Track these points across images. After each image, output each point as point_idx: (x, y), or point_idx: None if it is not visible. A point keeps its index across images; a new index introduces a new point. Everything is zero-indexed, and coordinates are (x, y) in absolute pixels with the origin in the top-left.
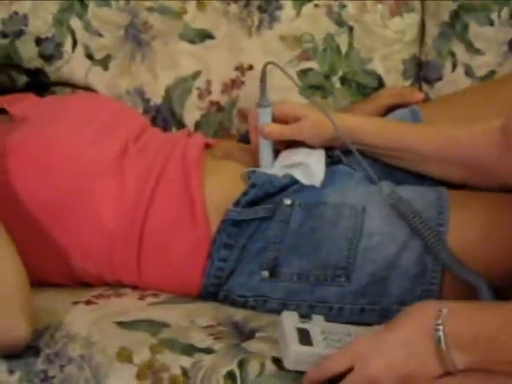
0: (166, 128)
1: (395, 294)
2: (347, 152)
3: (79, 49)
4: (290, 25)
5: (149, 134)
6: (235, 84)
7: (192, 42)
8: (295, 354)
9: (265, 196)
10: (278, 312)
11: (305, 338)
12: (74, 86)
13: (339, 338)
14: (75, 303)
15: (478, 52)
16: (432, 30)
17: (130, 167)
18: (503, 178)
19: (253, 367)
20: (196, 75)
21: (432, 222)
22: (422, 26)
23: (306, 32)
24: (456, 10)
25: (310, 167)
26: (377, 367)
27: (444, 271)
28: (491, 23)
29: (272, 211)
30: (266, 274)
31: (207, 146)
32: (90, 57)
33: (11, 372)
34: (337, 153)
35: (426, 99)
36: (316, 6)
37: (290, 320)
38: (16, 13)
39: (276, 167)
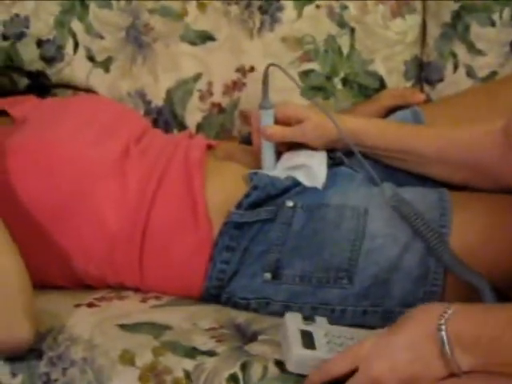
0: (167, 130)
1: (397, 295)
2: (349, 154)
3: (80, 51)
4: (291, 26)
5: (150, 135)
6: (236, 86)
7: (193, 43)
8: (298, 358)
9: (267, 198)
10: (281, 314)
11: (308, 340)
12: (75, 88)
13: (342, 342)
14: (77, 306)
15: (479, 53)
16: (433, 31)
17: (131, 169)
18: (505, 179)
19: (255, 370)
20: (197, 77)
21: (434, 223)
22: (424, 27)
23: (308, 33)
24: (457, 11)
25: (312, 169)
26: (380, 369)
27: (446, 273)
28: (493, 24)
29: (274, 213)
30: (268, 276)
31: (209, 147)
32: (91, 59)
33: (14, 375)
34: (338, 154)
35: (428, 100)
36: (317, 7)
37: (293, 322)
38: (17, 15)
39: (278, 169)
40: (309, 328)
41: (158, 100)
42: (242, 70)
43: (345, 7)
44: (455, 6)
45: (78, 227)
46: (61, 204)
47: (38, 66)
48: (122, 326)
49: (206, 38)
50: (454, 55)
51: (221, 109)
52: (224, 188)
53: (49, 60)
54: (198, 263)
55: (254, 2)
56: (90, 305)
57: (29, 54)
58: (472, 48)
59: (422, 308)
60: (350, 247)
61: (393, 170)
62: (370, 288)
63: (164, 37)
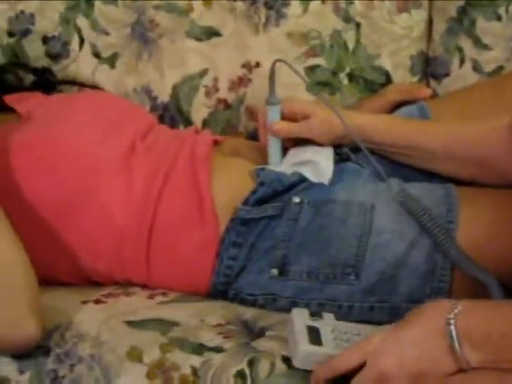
0: (173, 126)
1: (404, 291)
2: (355, 149)
3: (86, 47)
4: (296, 21)
5: (156, 131)
6: (242, 81)
7: (199, 39)
8: (304, 354)
9: (273, 194)
10: (288, 310)
11: (315, 336)
12: (80, 85)
13: (348, 338)
14: (84, 302)
15: (485, 47)
16: (439, 26)
17: (137, 165)
18: (511, 174)
19: (263, 366)
20: (203, 73)
21: (441, 219)
22: (430, 22)
23: (313, 29)
24: (463, 6)
25: (318, 165)
26: (388, 365)
27: (453, 269)
28: (499, 18)
29: (281, 209)
30: (275, 272)
31: (215, 142)
32: (96, 55)
33: (21, 372)
34: (345, 150)
35: (434, 95)
36: (323, 2)
37: (300, 318)
38: (22, 12)
39: (284, 165)
40: (315, 324)
41: (163, 96)
42: (247, 66)
43: (350, 2)
44: (461, 1)
45: (85, 224)
46: (66, 201)
47: (44, 62)
48: (130, 323)
49: (211, 33)
50: (460, 50)
51: (227, 105)
52: (230, 184)
53: (54, 56)
54: (204, 259)
55: None
56: (97, 301)
57: (34, 51)
58: (478, 42)
59: (430, 304)
60: (357, 243)
61: (399, 165)
62: (376, 284)
63: (170, 33)
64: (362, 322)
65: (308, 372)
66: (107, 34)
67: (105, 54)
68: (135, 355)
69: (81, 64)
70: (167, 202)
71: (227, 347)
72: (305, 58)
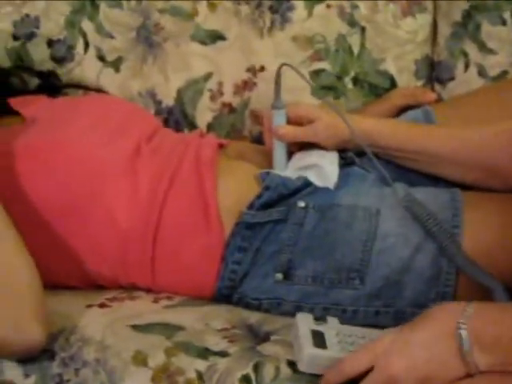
0: (177, 130)
1: (409, 296)
2: (360, 153)
3: (91, 51)
4: (301, 25)
5: (161, 134)
6: (247, 85)
7: (203, 43)
8: (309, 357)
9: (279, 198)
10: (293, 315)
11: (319, 340)
12: (85, 88)
13: (353, 341)
14: (89, 306)
15: (490, 52)
16: (444, 30)
17: (142, 168)
18: None
19: (268, 371)
20: (208, 77)
21: (447, 223)
22: (435, 26)
23: (318, 33)
24: (468, 10)
25: (323, 169)
26: (398, 368)
27: (458, 273)
28: (504, 23)
29: (286, 214)
30: (280, 276)
31: (220, 146)
32: (101, 59)
33: (27, 376)
34: (350, 154)
35: (439, 99)
36: (328, 6)
37: (304, 322)
38: (27, 15)
39: (290, 169)
40: (320, 328)
41: (168, 100)
42: (252, 70)
43: (355, 6)
44: (466, 5)
45: (89, 227)
46: (71, 204)
47: (49, 65)
48: (134, 327)
49: (216, 37)
50: (465, 54)
51: (231, 109)
52: (236, 188)
53: (59, 60)
54: (209, 264)
55: (265, 2)
56: (102, 305)
57: (39, 54)
58: (483, 47)
59: (439, 307)
60: (362, 248)
61: (404, 170)
62: (381, 288)
63: (174, 36)
64: (366, 326)
65: (313, 376)
66: (112, 37)
67: (109, 57)
68: (140, 359)
69: (85, 67)
70: (172, 204)
71: (232, 351)
72: (310, 62)
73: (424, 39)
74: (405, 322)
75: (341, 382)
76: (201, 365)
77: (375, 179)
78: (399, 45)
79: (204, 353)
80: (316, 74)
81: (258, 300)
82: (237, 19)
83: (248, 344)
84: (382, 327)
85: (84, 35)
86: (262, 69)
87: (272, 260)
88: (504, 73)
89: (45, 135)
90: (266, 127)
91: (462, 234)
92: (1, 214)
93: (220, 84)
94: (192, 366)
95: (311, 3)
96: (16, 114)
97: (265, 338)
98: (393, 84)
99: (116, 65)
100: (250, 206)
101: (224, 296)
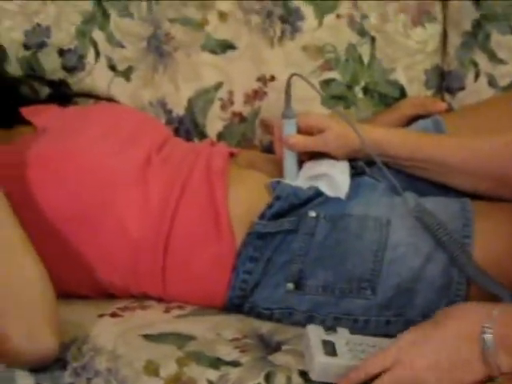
0: (188, 139)
1: (420, 305)
2: (370, 163)
3: (102, 60)
4: (312, 35)
5: (172, 143)
6: (257, 95)
7: (214, 52)
8: (320, 365)
9: (290, 208)
10: (304, 324)
11: (330, 349)
12: (96, 98)
13: (363, 349)
14: (101, 316)
15: (500, 61)
16: (454, 40)
17: (153, 177)
18: None
19: (279, 380)
20: (218, 86)
21: (457, 233)
22: (444, 36)
23: (328, 42)
24: (478, 20)
25: (334, 179)
26: (419, 367)
27: (469, 283)
28: None
29: (297, 224)
30: (291, 286)
31: (231, 155)
32: (112, 68)
33: None
34: (360, 164)
35: (449, 109)
36: (338, 16)
37: (315, 332)
38: (39, 24)
39: (300, 178)
40: (330, 338)
41: (179, 109)
42: (262, 79)
43: (365, 16)
44: (476, 15)
45: (100, 236)
46: (81, 213)
47: (60, 75)
48: (146, 337)
49: (226, 47)
50: (475, 64)
51: (242, 118)
52: (246, 197)
53: (70, 69)
54: (220, 273)
55: (275, 11)
56: (113, 315)
57: (50, 64)
58: (493, 57)
59: (463, 306)
60: (373, 258)
61: (414, 179)
62: (392, 298)
63: (185, 46)
64: (377, 335)
65: None
66: (123, 47)
67: (120, 66)
68: (152, 369)
69: (96, 77)
70: (184, 214)
71: (244, 361)
72: (320, 71)
73: (434, 49)
74: None
75: (363, 380)
76: (212, 374)
77: (385, 189)
78: (409, 55)
79: (216, 363)
80: (326, 83)
81: (270, 310)
82: (247, 29)
83: (259, 354)
84: (393, 336)
85: (95, 45)
86: (272, 78)
87: (283, 270)
88: None
89: (56, 144)
90: (277, 137)
91: (473, 243)
92: (15, 227)
93: (230, 93)
94: (204, 375)
95: (321, 13)
96: (27, 123)
97: (276, 347)
98: (403, 94)
99: (127, 74)
100: (262, 216)
101: (235, 305)
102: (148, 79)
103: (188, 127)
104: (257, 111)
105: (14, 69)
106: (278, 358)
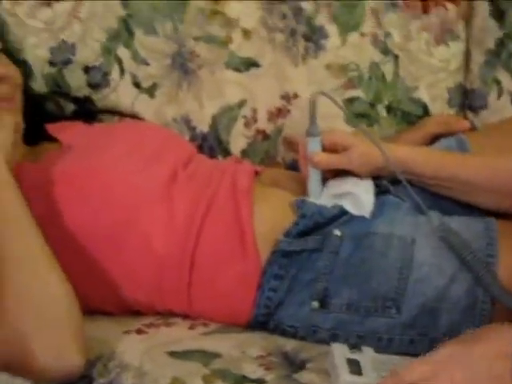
0: (212, 156)
1: (445, 325)
2: (394, 181)
3: (126, 77)
4: (335, 53)
5: (197, 160)
6: (281, 112)
7: (238, 70)
8: None
9: (314, 227)
10: (328, 342)
11: (355, 368)
12: (121, 114)
13: (388, 368)
14: (126, 332)
15: None
16: (477, 58)
17: (178, 194)
18: None
19: None
20: (242, 103)
21: (481, 252)
22: (467, 54)
23: (352, 61)
24: (501, 38)
25: (359, 198)
26: (459, 378)
27: (494, 303)
28: None
29: (321, 242)
30: (315, 304)
31: (255, 173)
32: (136, 85)
33: None
34: (384, 182)
35: (473, 128)
36: (361, 34)
37: (340, 351)
38: (64, 41)
39: (324, 196)
40: (355, 356)
41: (203, 126)
42: (286, 97)
43: (388, 34)
44: (499, 34)
45: (125, 253)
46: (106, 231)
47: (85, 91)
48: (172, 354)
49: (250, 64)
50: (498, 82)
51: (265, 135)
52: (271, 215)
53: (95, 86)
54: (245, 291)
55: (299, 30)
56: (139, 331)
57: (75, 81)
58: None
59: (494, 328)
60: (398, 276)
61: (438, 197)
62: (417, 317)
63: (209, 64)
64: (401, 354)
65: None
66: (147, 64)
67: (145, 83)
68: None
69: (121, 94)
70: (209, 230)
71: (269, 379)
72: (343, 89)
73: (457, 67)
74: None
75: None
76: None
77: (409, 207)
78: (432, 73)
79: (241, 380)
80: (349, 101)
81: (294, 327)
82: (271, 46)
83: (284, 372)
84: (416, 355)
85: (119, 62)
86: (296, 96)
87: (308, 288)
88: None
89: (80, 162)
90: (301, 154)
91: (498, 263)
92: (44, 245)
93: (254, 111)
94: None
95: (345, 31)
96: (53, 139)
97: (301, 365)
98: (426, 112)
99: (151, 91)
100: (287, 234)
101: (260, 323)
102: (172, 96)
103: (212, 144)
104: (280, 129)
105: (39, 85)
106: (303, 376)
